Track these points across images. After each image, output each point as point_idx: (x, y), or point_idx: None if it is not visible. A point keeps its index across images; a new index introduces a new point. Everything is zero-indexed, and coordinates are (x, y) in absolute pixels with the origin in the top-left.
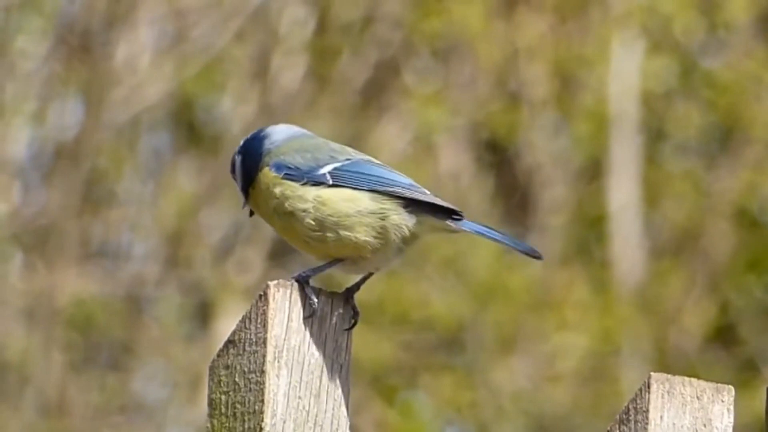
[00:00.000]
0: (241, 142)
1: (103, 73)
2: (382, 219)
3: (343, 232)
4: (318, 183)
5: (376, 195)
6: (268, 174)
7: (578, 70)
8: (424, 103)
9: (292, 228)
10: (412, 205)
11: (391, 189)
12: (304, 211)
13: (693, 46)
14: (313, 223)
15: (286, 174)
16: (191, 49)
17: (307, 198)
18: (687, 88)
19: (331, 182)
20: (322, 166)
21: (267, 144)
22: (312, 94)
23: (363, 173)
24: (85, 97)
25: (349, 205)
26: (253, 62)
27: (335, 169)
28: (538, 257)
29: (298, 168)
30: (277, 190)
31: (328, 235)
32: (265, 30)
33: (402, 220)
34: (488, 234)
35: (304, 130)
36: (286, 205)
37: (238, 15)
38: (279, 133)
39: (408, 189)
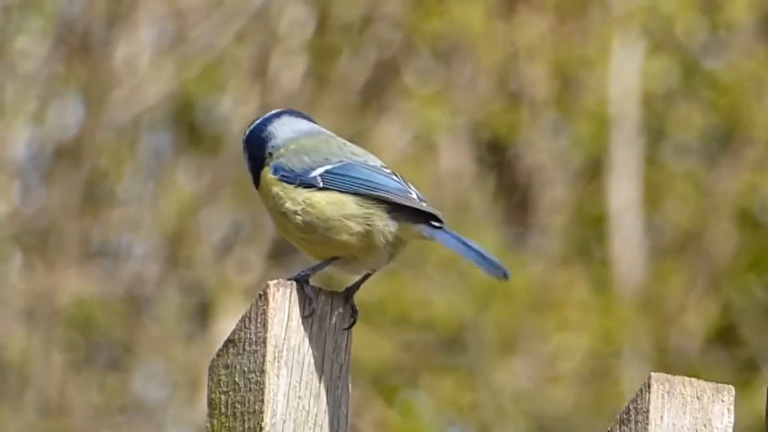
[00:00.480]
0: (247, 133)
1: (103, 73)
2: (367, 223)
3: (329, 234)
4: (309, 185)
5: (361, 198)
6: (267, 173)
7: (579, 71)
8: (424, 103)
9: (286, 227)
10: (397, 210)
11: (375, 193)
12: (295, 212)
13: (694, 47)
14: (302, 224)
15: (282, 176)
16: (191, 49)
17: (297, 200)
18: (688, 88)
19: (321, 185)
20: (314, 169)
21: (271, 143)
22: (312, 94)
23: (350, 176)
24: (85, 97)
25: (334, 208)
26: (253, 62)
27: (326, 172)
28: (502, 278)
29: (292, 170)
30: (274, 191)
31: (316, 236)
32: (265, 30)
33: (385, 224)
34: (456, 248)
35: (312, 124)
36: (280, 205)
37: (239, 15)
38: (283, 130)
39: (392, 193)
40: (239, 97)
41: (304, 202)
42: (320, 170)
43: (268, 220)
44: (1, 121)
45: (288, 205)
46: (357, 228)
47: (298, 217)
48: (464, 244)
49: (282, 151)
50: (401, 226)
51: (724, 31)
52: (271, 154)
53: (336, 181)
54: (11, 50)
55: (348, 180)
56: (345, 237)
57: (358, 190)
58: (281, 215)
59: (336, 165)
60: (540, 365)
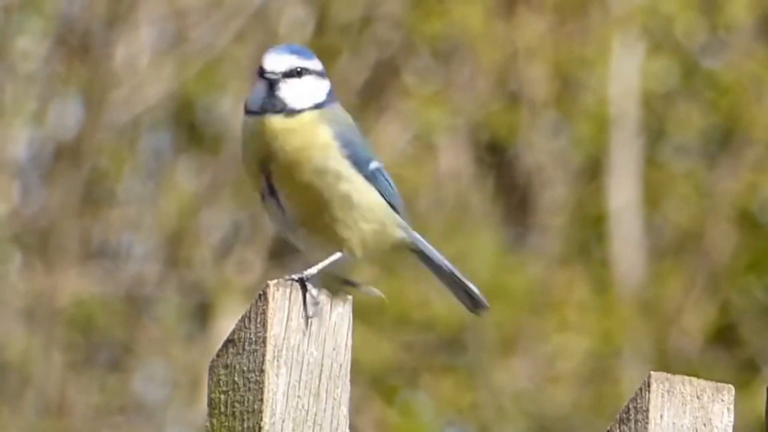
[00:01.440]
0: (291, 65)
1: (103, 73)
2: (382, 229)
3: (359, 223)
4: (365, 176)
5: (387, 206)
6: (326, 138)
7: (578, 71)
8: (424, 103)
9: (321, 198)
10: (400, 224)
11: (396, 210)
12: (346, 193)
13: (694, 47)
14: (344, 204)
15: (349, 155)
16: (191, 49)
17: (354, 181)
18: (688, 88)
19: (370, 179)
20: (369, 161)
21: (311, 87)
22: None
23: (388, 182)
24: (85, 97)
25: (374, 206)
26: (253, 62)
27: (376, 168)
28: (476, 311)
29: (357, 153)
30: (331, 159)
31: (348, 222)
32: (264, 30)
33: (388, 236)
34: (432, 264)
35: (325, 87)
36: (332, 177)
37: (239, 15)
38: (307, 80)
39: (400, 214)
40: (239, 97)
41: (356, 188)
42: (373, 165)
43: (268, 221)
44: (1, 121)
45: (342, 183)
46: (376, 229)
47: (351, 199)
48: (445, 265)
49: (331, 114)
50: (402, 238)
51: (724, 31)
52: (316, 102)
53: (379, 180)
54: (11, 50)
55: (385, 185)
56: (368, 234)
57: (390, 198)
58: (325, 186)
59: (380, 165)
60: (540, 365)
